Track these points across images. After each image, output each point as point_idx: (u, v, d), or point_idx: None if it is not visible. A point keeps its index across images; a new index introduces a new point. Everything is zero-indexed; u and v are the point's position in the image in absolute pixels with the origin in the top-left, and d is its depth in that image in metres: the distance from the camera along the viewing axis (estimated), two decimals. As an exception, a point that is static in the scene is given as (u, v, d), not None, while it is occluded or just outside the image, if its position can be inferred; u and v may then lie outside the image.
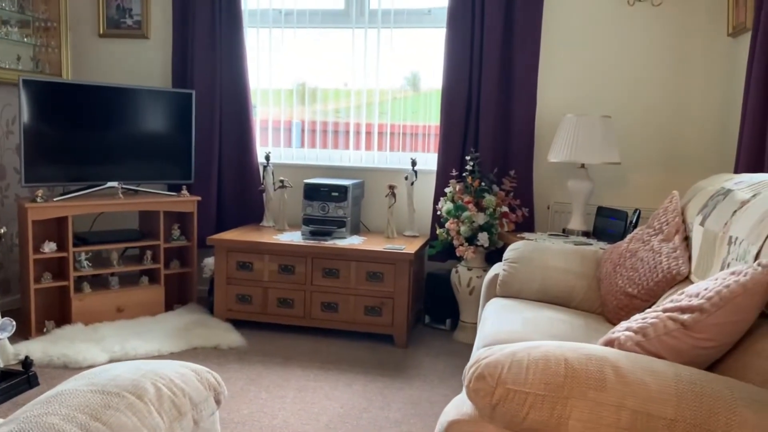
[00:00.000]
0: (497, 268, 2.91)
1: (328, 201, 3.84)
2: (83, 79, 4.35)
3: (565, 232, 3.60)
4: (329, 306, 3.64)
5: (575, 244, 3.20)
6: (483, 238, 3.55)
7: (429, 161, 4.14)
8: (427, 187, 4.07)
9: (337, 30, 4.22)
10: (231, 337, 3.56)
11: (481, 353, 1.46)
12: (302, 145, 4.37)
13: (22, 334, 3.44)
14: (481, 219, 3.55)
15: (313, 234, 3.80)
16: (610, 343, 1.54)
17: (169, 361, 1.33)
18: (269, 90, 4.33)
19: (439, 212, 3.76)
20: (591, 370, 1.33)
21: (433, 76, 4.13)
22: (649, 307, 2.34)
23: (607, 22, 3.77)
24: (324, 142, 4.34)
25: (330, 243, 3.66)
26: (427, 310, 3.96)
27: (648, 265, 2.37)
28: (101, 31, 4.35)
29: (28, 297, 3.49)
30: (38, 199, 3.48)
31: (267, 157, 4.13)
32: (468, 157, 3.73)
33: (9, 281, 3.98)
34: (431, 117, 4.18)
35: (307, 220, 3.86)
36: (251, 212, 4.25)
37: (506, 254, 2.85)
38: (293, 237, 3.80)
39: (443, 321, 3.90)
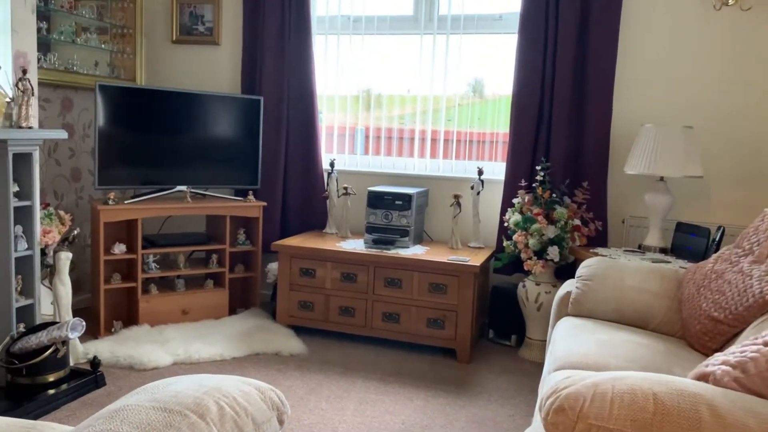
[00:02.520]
0: (569, 286, 2.77)
1: (392, 209, 3.78)
2: (156, 84, 4.45)
3: (641, 249, 3.41)
4: (390, 316, 3.57)
5: (653, 262, 3.03)
6: (553, 252, 3.41)
7: (496, 170, 4.02)
8: (493, 197, 3.95)
9: (405, 36, 4.16)
10: (292, 343, 3.54)
11: (559, 382, 1.36)
12: (366, 152, 4.33)
13: (91, 333, 3.53)
14: (551, 232, 3.42)
15: (376, 242, 3.75)
16: (703, 378, 1.40)
17: (232, 378, 1.29)
18: (335, 96, 4.32)
19: (506, 224, 3.64)
20: (684, 408, 1.21)
21: (500, 82, 4.02)
22: (737, 333, 2.17)
23: (691, 27, 3.57)
24: (388, 149, 4.28)
25: (392, 252, 3.60)
26: (492, 325, 3.83)
27: (737, 288, 2.20)
28: (174, 38, 4.45)
29: (98, 297, 3.58)
30: (110, 202, 3.56)
31: (331, 164, 4.11)
32: (538, 167, 3.60)
33: (81, 281, 4.09)
34: (499, 124, 4.07)
35: (370, 228, 3.81)
36: (315, 219, 4.24)
37: (579, 271, 2.72)
38: (356, 245, 3.75)
39: (508, 336, 3.77)
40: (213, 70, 4.42)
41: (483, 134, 4.12)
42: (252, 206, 3.97)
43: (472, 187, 3.86)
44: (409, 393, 3.03)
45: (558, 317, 2.73)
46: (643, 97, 3.68)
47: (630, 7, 3.63)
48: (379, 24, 4.17)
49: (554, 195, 3.53)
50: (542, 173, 3.57)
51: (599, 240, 3.64)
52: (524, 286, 3.58)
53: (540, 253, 3.46)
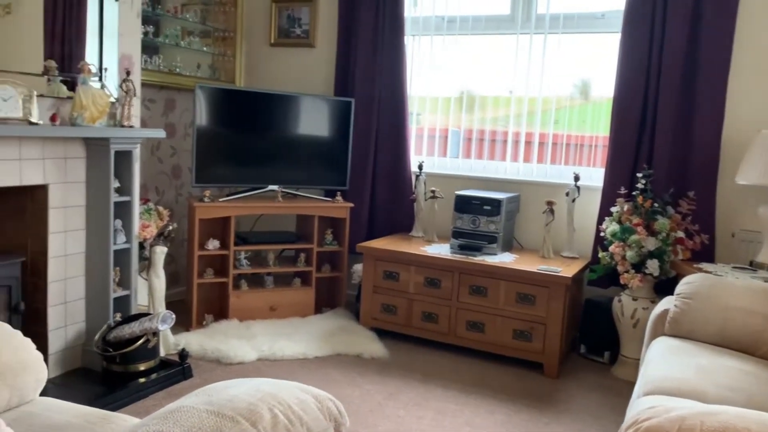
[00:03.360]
0: (667, 303, 2.57)
1: (480, 214, 3.67)
2: (254, 86, 4.57)
3: (753, 266, 3.12)
4: (475, 325, 3.47)
5: (765, 281, 2.75)
6: (652, 265, 3.18)
7: (594, 176, 3.81)
8: (590, 205, 3.75)
9: (501, 36, 4.03)
10: (374, 346, 3.52)
11: (642, 412, 1.23)
12: (462, 155, 4.23)
13: (183, 325, 3.67)
14: (651, 244, 3.19)
15: (462, 248, 3.65)
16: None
17: (290, 384, 1.27)
18: (426, 98, 4.26)
19: (602, 234, 3.44)
20: (787, 456, 1.06)
21: (603, 84, 3.80)
22: None
23: (820, 22, 3.22)
24: (480, 152, 4.17)
25: (479, 259, 3.50)
26: (583, 339, 3.64)
27: None
28: (272, 40, 4.55)
29: (191, 290, 3.72)
30: (205, 199, 3.69)
31: (420, 167, 4.06)
32: (640, 174, 3.37)
33: (178, 273, 4.27)
34: (599, 127, 3.86)
35: (457, 233, 3.72)
36: (402, 221, 4.20)
37: (679, 288, 2.51)
38: (441, 250, 3.68)
39: (601, 353, 3.56)
40: (308, 71, 4.49)
41: (581, 138, 3.92)
42: (339, 207, 3.99)
43: (567, 194, 3.68)
44: (490, 406, 2.92)
45: (653, 336, 2.53)
46: (760, 102, 3.36)
47: (747, 4, 3.32)
48: (474, 24, 4.07)
49: (656, 204, 3.29)
50: (644, 181, 3.34)
51: (705, 255, 3.36)
52: (620, 301, 3.36)
53: (638, 267, 3.24)
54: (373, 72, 4.12)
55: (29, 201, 2.84)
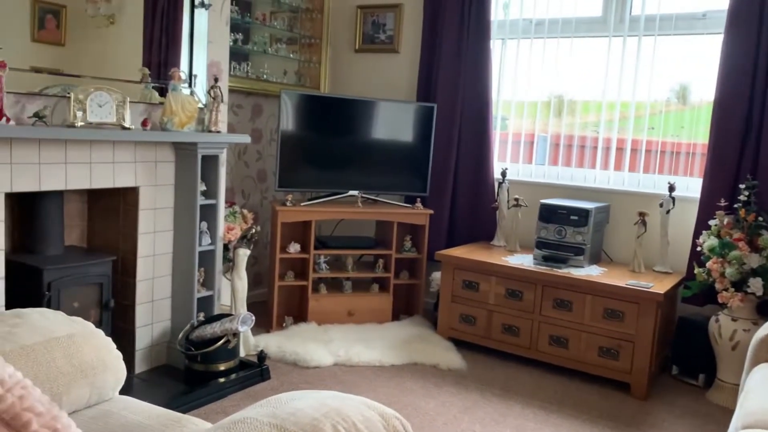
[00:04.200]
0: (772, 327, 2.35)
1: (566, 225, 3.52)
2: (338, 92, 4.61)
3: None
4: (558, 340, 3.32)
5: None
6: (755, 284, 2.94)
7: (691, 187, 3.58)
8: (686, 217, 3.52)
9: (593, 39, 3.86)
10: (451, 357, 3.44)
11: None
12: (548, 162, 4.08)
13: (264, 326, 3.73)
14: (754, 261, 2.95)
15: (546, 259, 3.51)
16: None
17: (356, 400, 1.23)
18: (512, 102, 4.14)
19: (699, 248, 3.21)
20: None
21: (703, 88, 3.56)
22: None
23: None
24: (567, 160, 4.01)
25: (564, 271, 3.35)
26: (676, 360, 3.41)
27: None
28: (357, 46, 4.58)
29: (272, 292, 3.78)
30: (288, 203, 3.74)
31: (503, 174, 3.95)
32: (743, 186, 3.13)
33: (261, 275, 4.36)
34: (697, 134, 3.62)
35: (541, 244, 3.59)
36: (483, 229, 4.10)
37: (786, 311, 2.29)
38: (524, 260, 3.56)
39: (695, 375, 3.32)
40: (391, 77, 4.47)
41: (677, 145, 3.69)
42: (419, 213, 3.94)
43: (662, 205, 3.47)
44: (572, 425, 2.78)
45: (755, 362, 2.32)
46: None
47: None
48: (564, 27, 3.92)
49: (760, 218, 3.05)
50: (747, 192, 3.10)
51: (818, 274, 3.07)
52: (717, 321, 3.13)
53: (739, 285, 3.00)
54: (456, 77, 4.05)
55: (121, 202, 2.96)
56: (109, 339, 1.65)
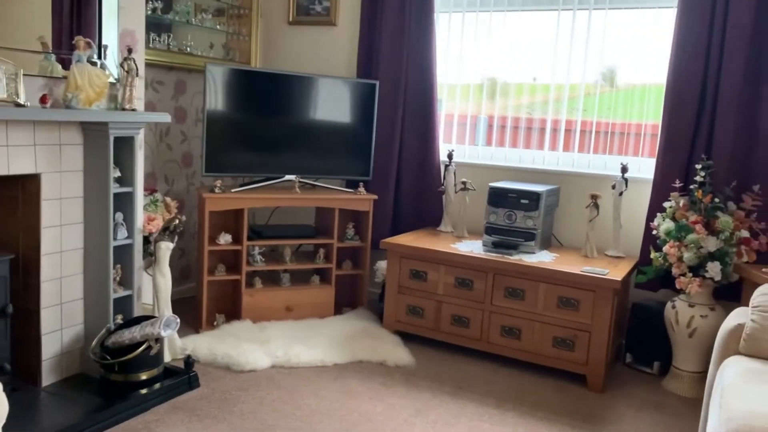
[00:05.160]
0: (740, 316, 2.22)
1: (516, 209, 3.33)
2: (270, 66, 4.26)
3: (831, 271, 2.75)
4: (510, 331, 3.14)
5: None
6: (713, 268, 2.83)
7: (643, 168, 3.45)
8: (639, 199, 3.39)
9: (538, 13, 3.67)
10: (399, 353, 3.21)
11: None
12: (489, 143, 3.89)
13: (192, 326, 3.41)
14: (711, 245, 2.83)
15: (497, 246, 3.32)
16: None
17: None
18: (457, 83, 3.91)
19: (654, 231, 3.08)
20: None
21: (655, 66, 3.42)
22: None
23: None
24: (514, 141, 3.83)
25: (515, 258, 3.16)
26: (629, 348, 3.30)
27: None
28: (291, 19, 4.23)
29: (201, 288, 3.44)
30: (216, 190, 3.40)
31: (449, 156, 3.72)
32: (698, 166, 3.01)
33: (190, 268, 4.00)
34: (648, 114, 3.49)
35: (490, 229, 3.39)
36: (429, 215, 3.87)
37: (756, 299, 2.16)
38: (473, 247, 3.35)
39: (650, 363, 3.21)
40: (328, 52, 4.16)
41: (628, 125, 3.55)
42: (362, 199, 3.68)
43: (614, 187, 3.33)
44: (529, 425, 2.60)
45: (725, 354, 2.19)
46: (840, 83, 2.97)
47: (829, -30, 2.93)
48: (511, 0, 3.71)
49: (717, 200, 2.93)
50: (702, 173, 2.99)
51: (773, 257, 3.00)
52: (674, 307, 3.01)
53: (696, 269, 2.89)
54: (399, 52, 3.78)
55: (20, 192, 2.56)
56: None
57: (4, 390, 2.35)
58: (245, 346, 3.13)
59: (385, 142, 3.84)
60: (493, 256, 3.19)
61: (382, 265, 3.63)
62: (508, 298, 3.14)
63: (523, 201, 3.33)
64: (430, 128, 3.80)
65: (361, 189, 3.71)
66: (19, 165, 2.43)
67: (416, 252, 3.34)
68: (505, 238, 3.33)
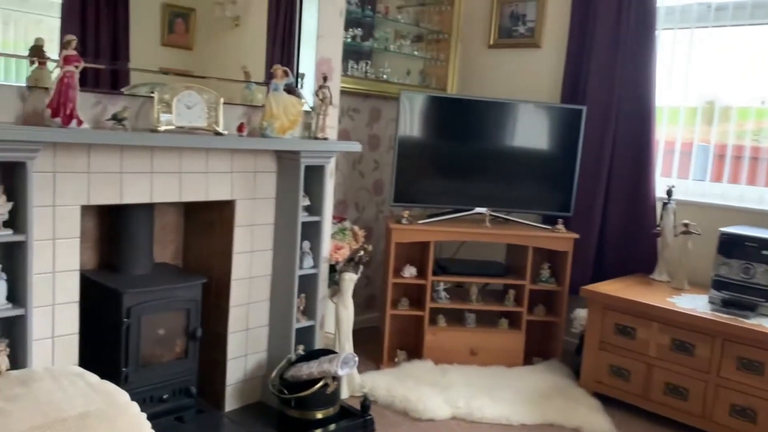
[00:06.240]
0: None
1: (756, 261, 2.74)
2: (466, 92, 4.06)
3: None
4: (743, 412, 2.56)
5: None
6: None
7: None
8: None
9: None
10: (598, 419, 2.79)
11: None
12: (718, 178, 3.30)
13: (373, 360, 3.29)
14: None
15: (728, 305, 2.75)
16: None
17: None
18: (679, 106, 3.39)
19: None
20: None
21: None
22: None
23: None
24: (752, 177, 3.20)
25: (753, 322, 2.59)
26: None
27: None
28: (491, 41, 4.01)
29: (384, 321, 3.31)
30: (403, 220, 3.26)
31: (669, 193, 3.21)
32: None
33: (374, 298, 3.91)
34: None
35: (720, 284, 2.82)
36: (640, 260, 3.37)
37: None
38: (696, 304, 2.82)
39: None
40: (530, 76, 3.86)
41: None
42: (560, 237, 3.30)
43: None
44: None
45: None
46: None
47: None
48: (755, 11, 3.12)
49: None
50: None
51: None
52: None
53: None
54: (612, 74, 3.38)
55: (218, 218, 2.62)
56: (143, 416, 1.22)
57: (190, 411, 2.38)
58: (425, 390, 2.92)
59: (591, 174, 3.43)
60: (724, 317, 2.65)
61: (581, 313, 3.21)
62: (742, 370, 2.57)
63: (764, 252, 2.73)
64: (646, 159, 3.33)
65: (560, 226, 3.34)
66: (216, 191, 2.48)
67: (624, 304, 2.89)
68: (739, 296, 2.76)
